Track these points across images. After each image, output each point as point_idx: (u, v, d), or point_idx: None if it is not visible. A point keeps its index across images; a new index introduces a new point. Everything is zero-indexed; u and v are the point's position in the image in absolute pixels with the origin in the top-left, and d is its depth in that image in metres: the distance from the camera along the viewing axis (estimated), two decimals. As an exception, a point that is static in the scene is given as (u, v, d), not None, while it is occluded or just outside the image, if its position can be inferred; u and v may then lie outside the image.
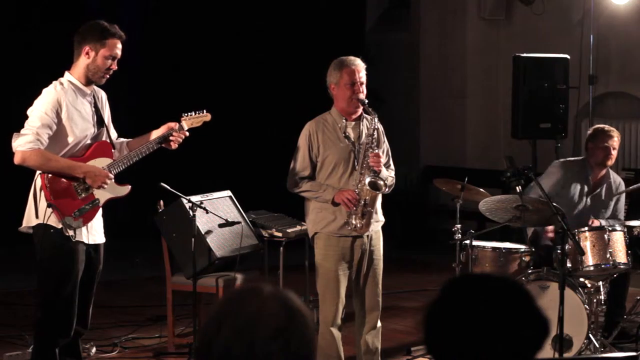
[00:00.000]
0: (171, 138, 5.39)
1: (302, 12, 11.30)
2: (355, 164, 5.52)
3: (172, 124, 5.42)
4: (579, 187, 6.69)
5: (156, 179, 5.90)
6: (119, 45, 5.14)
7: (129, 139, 5.47)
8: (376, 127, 5.57)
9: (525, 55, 9.02)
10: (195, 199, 6.04)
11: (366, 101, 5.54)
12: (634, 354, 4.69)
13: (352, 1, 11.81)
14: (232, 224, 6.25)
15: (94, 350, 6.43)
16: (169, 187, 5.76)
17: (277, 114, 10.84)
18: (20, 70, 9.44)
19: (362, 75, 5.55)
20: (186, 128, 5.47)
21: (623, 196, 6.85)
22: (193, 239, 5.84)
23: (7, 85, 9.42)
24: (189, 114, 5.53)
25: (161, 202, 6.30)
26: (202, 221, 6.17)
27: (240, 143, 10.99)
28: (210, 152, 10.74)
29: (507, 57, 9.88)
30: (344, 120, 5.56)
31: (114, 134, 5.46)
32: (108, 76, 5.18)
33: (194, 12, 11.02)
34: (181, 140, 5.44)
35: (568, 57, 9.09)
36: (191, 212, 5.86)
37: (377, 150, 5.52)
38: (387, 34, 12.20)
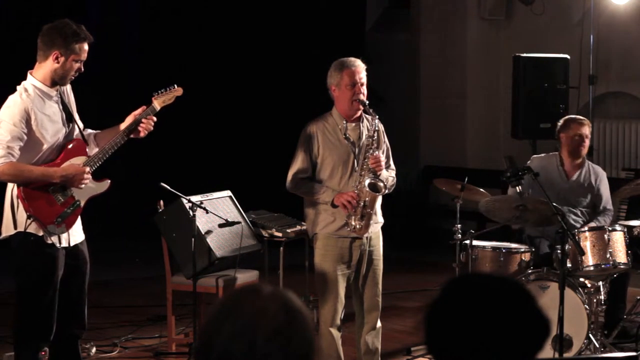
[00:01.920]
0: (140, 127, 5.21)
1: (302, 12, 11.30)
2: (355, 165, 5.52)
3: (137, 112, 5.25)
4: (553, 176, 6.70)
5: (156, 179, 5.90)
6: (86, 48, 5.02)
7: (97, 131, 5.31)
8: (377, 128, 5.57)
9: (525, 55, 9.02)
10: (195, 199, 6.04)
11: (367, 102, 5.53)
12: (634, 354, 4.69)
13: (352, 1, 11.80)
14: (232, 224, 6.25)
15: (94, 350, 6.43)
16: (169, 187, 5.76)
17: (277, 114, 10.84)
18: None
19: (362, 76, 5.54)
20: (158, 108, 5.30)
21: (605, 186, 6.82)
22: (193, 239, 5.84)
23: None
24: (160, 91, 5.34)
25: (161, 202, 6.30)
26: (202, 221, 6.16)
27: (241, 143, 10.99)
28: (210, 152, 10.76)
29: (507, 57, 9.89)
30: (344, 122, 5.56)
31: (80, 125, 5.29)
32: (74, 78, 5.07)
33: (195, 12, 11.02)
34: (151, 128, 5.25)
35: (568, 57, 9.09)
36: (191, 212, 5.86)
37: (377, 152, 5.51)
38: (387, 34, 12.21)
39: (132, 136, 5.25)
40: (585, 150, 6.76)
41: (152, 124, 5.27)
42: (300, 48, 11.11)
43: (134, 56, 10.97)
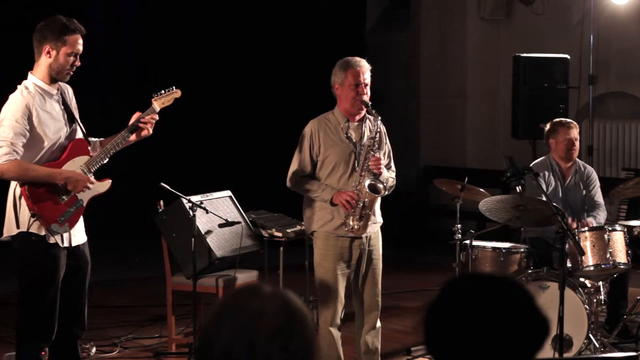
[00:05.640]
0: (140, 125, 5.20)
1: (302, 12, 11.31)
2: (356, 165, 5.52)
3: (135, 116, 5.26)
4: (553, 182, 6.69)
5: (156, 179, 5.90)
6: (80, 41, 4.98)
7: (102, 139, 5.30)
8: (379, 129, 5.56)
9: (525, 55, 9.03)
10: (195, 199, 6.04)
11: (370, 103, 5.52)
12: (634, 354, 4.69)
13: (352, 1, 11.81)
14: (232, 224, 6.25)
15: (94, 350, 6.44)
16: (169, 187, 5.76)
17: (277, 114, 10.85)
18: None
19: (366, 76, 5.54)
20: (158, 109, 5.29)
21: (596, 183, 6.80)
22: (193, 239, 5.84)
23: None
24: (159, 93, 5.34)
25: (161, 202, 6.30)
26: (202, 221, 6.17)
27: (240, 143, 10.99)
28: (210, 152, 10.76)
29: (507, 57, 9.89)
30: (346, 121, 5.56)
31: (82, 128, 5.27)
32: (72, 73, 5.04)
33: (195, 12, 11.02)
34: (154, 122, 5.24)
35: (568, 57, 9.10)
36: (191, 212, 5.86)
37: (378, 153, 5.51)
38: (387, 34, 12.21)
39: (136, 138, 5.24)
40: (576, 153, 6.73)
41: (154, 121, 5.25)
42: (300, 48, 11.12)
43: (134, 57, 10.97)
